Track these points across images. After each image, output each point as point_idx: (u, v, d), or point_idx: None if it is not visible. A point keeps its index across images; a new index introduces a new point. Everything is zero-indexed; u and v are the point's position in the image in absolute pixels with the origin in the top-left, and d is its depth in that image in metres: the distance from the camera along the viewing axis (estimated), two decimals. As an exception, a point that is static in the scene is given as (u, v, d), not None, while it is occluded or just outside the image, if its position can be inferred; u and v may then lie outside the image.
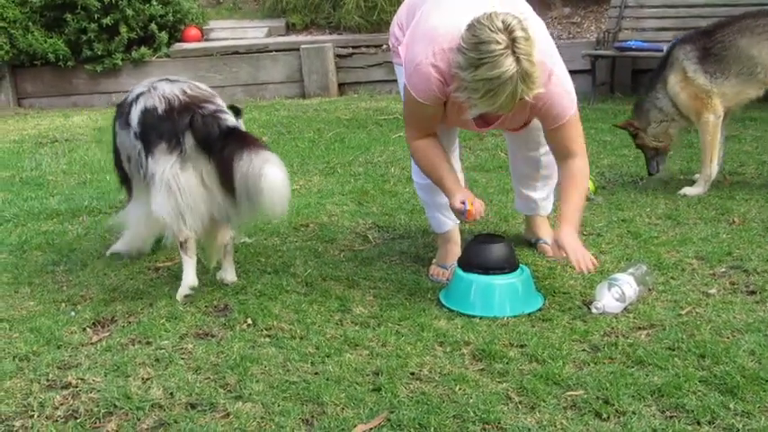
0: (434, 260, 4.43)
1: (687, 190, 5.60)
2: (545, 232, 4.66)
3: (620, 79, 9.76)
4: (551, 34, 4.16)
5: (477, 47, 3.39)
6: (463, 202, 3.85)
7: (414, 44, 3.79)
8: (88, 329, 3.80)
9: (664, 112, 5.72)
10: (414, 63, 3.73)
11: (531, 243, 4.71)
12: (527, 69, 3.37)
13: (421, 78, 3.71)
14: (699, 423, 2.87)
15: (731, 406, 2.94)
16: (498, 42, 3.34)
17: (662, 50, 8.77)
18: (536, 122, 4.05)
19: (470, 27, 3.44)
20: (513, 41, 3.35)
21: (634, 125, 5.86)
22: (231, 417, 3.00)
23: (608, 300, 3.78)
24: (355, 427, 2.91)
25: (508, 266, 3.92)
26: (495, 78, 3.37)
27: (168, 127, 3.92)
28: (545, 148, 4.28)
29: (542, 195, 4.61)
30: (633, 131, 5.88)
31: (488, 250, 3.95)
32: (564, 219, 3.89)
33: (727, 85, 5.51)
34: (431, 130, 3.96)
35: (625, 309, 3.78)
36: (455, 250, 4.35)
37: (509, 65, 3.34)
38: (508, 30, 3.36)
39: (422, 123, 3.93)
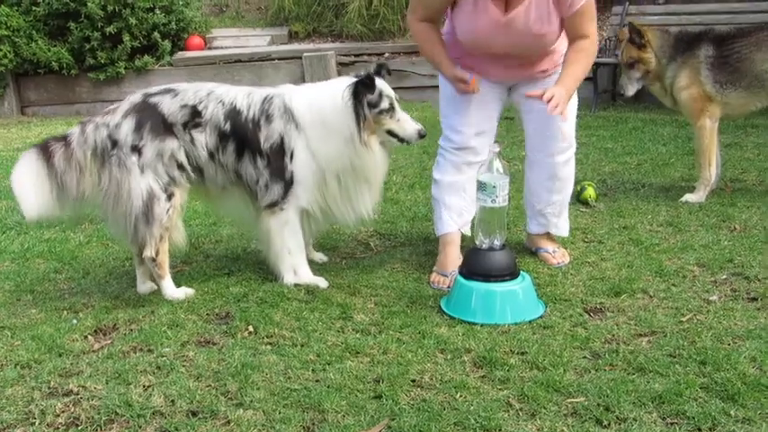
0: (435, 267, 4.44)
1: (688, 197, 5.61)
2: (547, 243, 4.66)
3: (622, 87, 9.75)
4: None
5: None
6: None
7: None
8: (90, 337, 3.81)
9: (665, 70, 5.66)
10: None
11: (532, 252, 4.72)
12: None
13: None
14: (700, 430, 2.87)
15: (732, 413, 2.94)
16: None
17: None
18: (556, 118, 4.17)
19: None
20: None
21: (645, 40, 5.67)
22: (232, 424, 3.00)
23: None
24: (356, 434, 2.92)
25: (509, 274, 3.92)
26: None
27: None
28: (563, 156, 4.42)
29: (554, 211, 4.62)
30: (640, 41, 5.69)
31: (489, 257, 3.95)
32: (560, 81, 4.12)
33: (733, 96, 5.52)
34: (433, 16, 4.31)
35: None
36: (454, 256, 4.37)
37: None
38: None
39: (425, 6, 4.27)
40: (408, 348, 3.55)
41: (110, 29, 10.26)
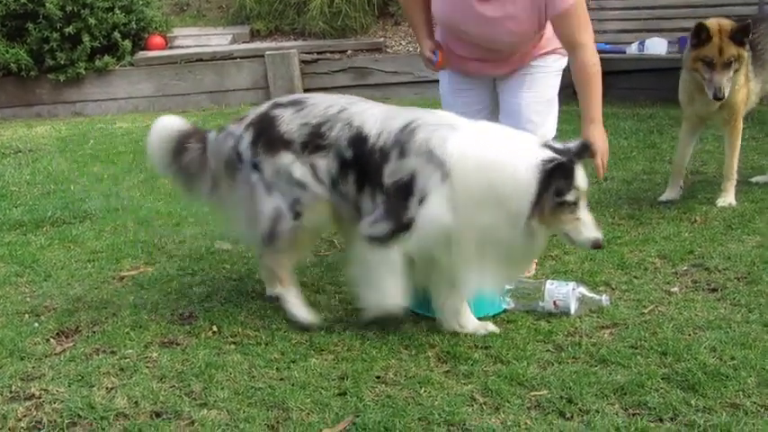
0: None
1: (721, 201, 5.30)
2: None
3: (583, 81, 9.77)
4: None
5: None
6: (434, 52, 4.26)
7: None
8: (52, 340, 3.77)
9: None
10: None
11: None
12: None
13: None
14: (661, 420, 2.91)
15: (693, 402, 2.99)
16: None
17: (624, 53, 8.84)
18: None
19: None
20: None
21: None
22: (196, 424, 3.00)
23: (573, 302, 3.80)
24: (321, 431, 2.92)
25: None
26: None
27: None
28: None
29: None
30: (742, 38, 4.97)
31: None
32: (587, 117, 4.16)
33: (757, 92, 5.32)
34: None
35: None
36: None
37: None
38: None
39: None
40: (372, 345, 3.56)
41: (69, 29, 10.12)
